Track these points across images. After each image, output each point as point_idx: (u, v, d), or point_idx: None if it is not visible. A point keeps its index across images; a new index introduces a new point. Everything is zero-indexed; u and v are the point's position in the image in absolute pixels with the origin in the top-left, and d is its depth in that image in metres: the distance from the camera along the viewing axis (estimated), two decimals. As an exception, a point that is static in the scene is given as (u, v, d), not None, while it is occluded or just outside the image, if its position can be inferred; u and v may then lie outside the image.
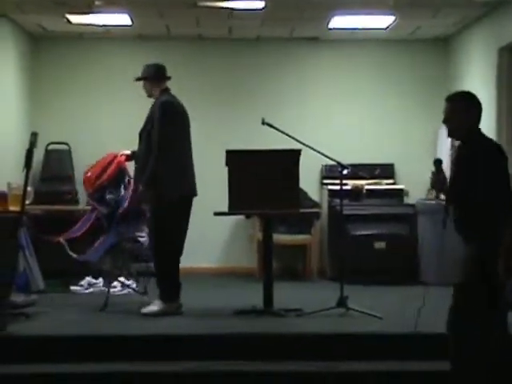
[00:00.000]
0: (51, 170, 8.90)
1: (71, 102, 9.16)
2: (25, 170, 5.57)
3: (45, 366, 5.13)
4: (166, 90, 6.48)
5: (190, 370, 5.09)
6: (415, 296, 7.23)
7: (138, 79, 6.60)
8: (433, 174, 4.56)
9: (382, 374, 5.12)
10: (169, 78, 6.56)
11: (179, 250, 6.44)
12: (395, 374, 5.11)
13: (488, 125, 7.82)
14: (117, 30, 8.84)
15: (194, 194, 6.51)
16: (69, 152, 9.01)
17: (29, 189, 5.95)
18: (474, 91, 8.50)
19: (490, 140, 4.44)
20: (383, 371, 5.14)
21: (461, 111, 4.42)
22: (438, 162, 4.62)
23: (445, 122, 4.49)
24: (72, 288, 7.51)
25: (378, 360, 5.26)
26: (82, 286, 7.55)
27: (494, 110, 7.79)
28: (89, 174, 6.68)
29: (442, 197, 4.58)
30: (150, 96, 6.52)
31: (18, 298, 6.23)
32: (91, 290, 7.50)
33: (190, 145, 6.54)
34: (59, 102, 9.12)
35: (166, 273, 6.32)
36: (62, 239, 6.64)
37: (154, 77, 6.50)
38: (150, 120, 6.35)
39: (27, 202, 5.80)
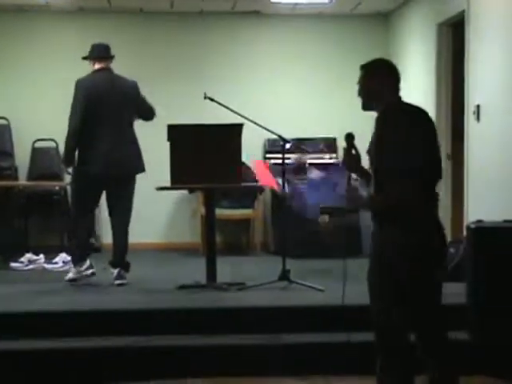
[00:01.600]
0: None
1: (10, 77, 9.00)
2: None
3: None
4: (99, 70, 6.56)
5: (133, 345, 5.09)
6: (357, 269, 7.35)
7: (84, 58, 6.72)
8: (344, 150, 4.00)
9: (323, 345, 5.19)
10: (105, 58, 6.61)
11: (84, 221, 6.68)
12: (336, 345, 5.17)
13: (427, 98, 7.94)
14: (57, 2, 8.69)
15: (105, 171, 6.45)
16: (8, 127, 8.87)
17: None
18: (413, 66, 8.66)
19: (409, 107, 3.94)
20: (325, 343, 5.20)
21: (373, 81, 3.96)
22: (349, 137, 3.96)
23: (358, 94, 4.04)
24: (12, 264, 7.42)
25: (320, 332, 5.31)
26: (22, 262, 7.45)
27: (434, 84, 7.89)
28: None
29: (354, 176, 3.99)
30: None
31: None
32: (31, 266, 7.42)
33: (114, 123, 6.52)
34: (-1, 77, 8.97)
35: (73, 239, 6.63)
36: None
37: (89, 56, 6.66)
38: None
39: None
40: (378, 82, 3.95)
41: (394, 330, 3.92)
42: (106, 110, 6.45)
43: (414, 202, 3.76)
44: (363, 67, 4.02)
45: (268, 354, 5.16)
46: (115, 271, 6.52)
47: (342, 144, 9.42)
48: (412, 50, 8.62)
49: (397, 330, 3.92)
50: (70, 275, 6.53)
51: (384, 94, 3.95)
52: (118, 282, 6.46)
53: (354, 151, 3.99)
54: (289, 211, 7.87)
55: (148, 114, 6.78)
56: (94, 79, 6.55)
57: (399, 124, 3.82)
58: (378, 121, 3.96)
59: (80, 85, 6.48)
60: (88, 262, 6.60)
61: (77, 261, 6.55)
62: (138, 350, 5.09)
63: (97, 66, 6.59)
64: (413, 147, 3.72)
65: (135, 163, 6.63)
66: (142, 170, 6.68)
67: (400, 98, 3.99)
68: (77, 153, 6.46)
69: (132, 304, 5.70)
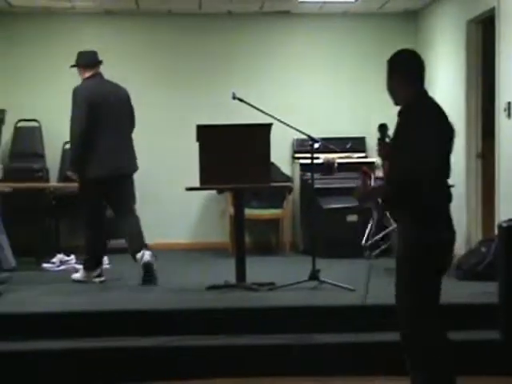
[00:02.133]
0: (21, 147, 8.82)
1: (40, 79, 9.06)
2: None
3: (17, 343, 5.11)
4: (92, 77, 6.72)
5: (162, 345, 5.11)
6: (387, 268, 7.31)
7: (73, 66, 6.88)
8: (378, 140, 4.11)
9: (354, 345, 5.17)
10: (94, 65, 6.79)
11: (99, 226, 6.74)
12: (367, 345, 5.15)
13: (457, 96, 7.88)
14: (84, 5, 8.74)
15: (114, 174, 6.64)
16: (39, 129, 8.94)
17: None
18: (443, 64, 8.60)
19: (431, 104, 3.96)
20: (355, 343, 5.18)
21: (394, 74, 4.04)
22: (382, 128, 4.11)
23: (387, 89, 4.07)
24: (44, 265, 7.47)
25: (350, 332, 5.29)
26: (53, 263, 7.51)
27: (464, 82, 7.83)
28: None
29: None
30: None
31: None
32: (63, 267, 7.47)
33: (114, 127, 6.67)
34: (28, 78, 9.02)
35: (88, 245, 6.71)
36: None
37: (78, 64, 6.81)
38: None
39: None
40: (399, 76, 4.00)
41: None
42: (109, 115, 6.61)
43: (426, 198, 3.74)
44: (387, 61, 4.10)
45: (298, 354, 5.14)
46: (141, 254, 6.58)
47: (370, 143, 9.45)
48: (441, 47, 8.56)
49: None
50: (78, 276, 6.69)
51: (405, 87, 3.97)
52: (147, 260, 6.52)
53: (387, 140, 4.06)
54: (318, 210, 7.86)
55: (134, 121, 6.99)
56: (93, 86, 6.67)
57: (416, 122, 3.83)
58: (398, 116, 3.98)
59: (80, 92, 6.59)
60: (99, 270, 6.71)
61: (89, 267, 6.67)
62: (168, 350, 5.10)
63: (88, 74, 6.75)
64: (425, 147, 3.73)
65: (135, 163, 6.91)
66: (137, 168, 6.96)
67: (422, 91, 3.97)
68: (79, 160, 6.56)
69: (162, 304, 5.72)
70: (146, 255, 6.56)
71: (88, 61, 6.79)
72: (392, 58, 4.10)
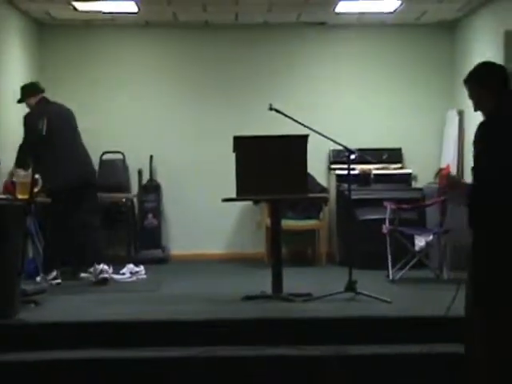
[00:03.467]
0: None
1: (78, 90, 9.17)
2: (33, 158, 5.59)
3: (54, 352, 5.15)
4: (42, 100, 7.19)
5: (198, 356, 5.11)
6: (423, 280, 7.29)
7: (19, 101, 7.32)
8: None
9: (390, 357, 5.14)
10: (41, 91, 7.27)
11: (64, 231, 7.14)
12: (403, 357, 5.12)
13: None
14: (123, 17, 8.84)
15: (74, 183, 7.03)
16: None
17: (37, 176, 5.97)
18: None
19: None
20: (391, 354, 5.15)
21: (473, 88, 4.06)
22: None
23: (474, 107, 4.12)
24: (82, 275, 7.51)
25: (387, 343, 5.26)
26: (90, 273, 7.54)
27: (502, 93, 7.77)
28: None
29: None
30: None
31: (27, 285, 6.28)
32: (134, 278, 7.54)
33: (67, 139, 7.17)
34: (66, 90, 9.12)
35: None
36: None
37: (28, 95, 7.21)
38: None
39: (35, 189, 5.81)
40: (477, 89, 4.04)
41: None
42: (66, 132, 7.16)
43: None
44: (465, 81, 4.15)
45: (334, 366, 5.12)
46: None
47: (406, 154, 9.38)
48: (479, 58, 8.46)
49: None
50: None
51: (483, 99, 4.02)
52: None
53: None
54: (354, 221, 7.85)
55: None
56: (45, 110, 6.94)
57: (489, 135, 3.93)
58: (478, 128, 4.04)
59: (34, 118, 6.82)
60: (55, 273, 7.06)
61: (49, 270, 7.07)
62: (203, 361, 5.10)
63: (35, 100, 7.17)
64: (497, 159, 3.81)
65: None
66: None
67: (501, 102, 3.99)
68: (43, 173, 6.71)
69: (198, 314, 5.73)
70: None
71: (34, 89, 7.27)
72: (470, 72, 4.13)
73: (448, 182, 4.26)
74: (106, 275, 7.04)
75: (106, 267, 7.10)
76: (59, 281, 7.04)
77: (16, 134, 8.07)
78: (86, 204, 7.13)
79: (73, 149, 7.15)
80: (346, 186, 7.13)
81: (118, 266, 7.58)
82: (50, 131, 6.59)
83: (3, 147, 7.65)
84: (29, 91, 7.25)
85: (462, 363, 4.18)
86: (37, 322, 5.47)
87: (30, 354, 5.11)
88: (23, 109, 8.50)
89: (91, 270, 7.50)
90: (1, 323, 5.18)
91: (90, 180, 7.23)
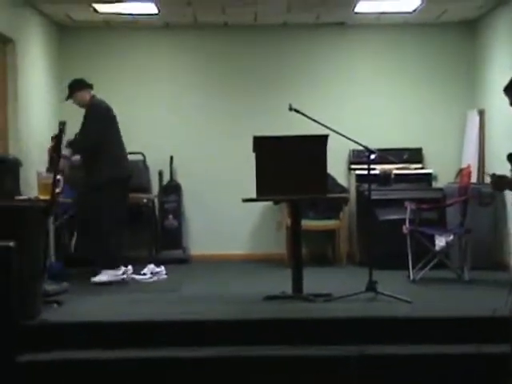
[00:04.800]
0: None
1: (99, 92, 9.18)
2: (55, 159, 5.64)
3: (76, 352, 5.19)
4: (93, 97, 7.39)
5: (219, 355, 5.13)
6: (444, 280, 7.26)
7: (68, 98, 7.42)
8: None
9: (410, 357, 5.13)
10: (89, 88, 7.41)
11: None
12: (424, 357, 5.12)
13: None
14: (143, 18, 8.88)
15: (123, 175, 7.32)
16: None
17: (58, 177, 6.01)
18: (502, 74, 8.50)
19: None
20: (412, 354, 5.15)
21: None
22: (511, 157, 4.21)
23: None
24: (136, 277, 7.48)
25: (407, 344, 5.26)
26: (145, 274, 7.54)
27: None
28: None
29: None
30: (78, 104, 7.39)
31: (49, 285, 6.32)
32: (155, 277, 7.55)
33: (118, 134, 7.41)
34: (87, 91, 9.17)
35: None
36: None
37: (76, 90, 7.32)
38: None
39: (57, 190, 5.86)
40: None
41: None
42: (116, 126, 7.37)
43: None
44: (505, 89, 4.32)
45: (355, 366, 5.12)
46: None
47: (426, 154, 9.39)
48: (500, 57, 8.46)
49: None
50: (104, 278, 7.08)
51: None
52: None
53: None
54: (374, 222, 7.85)
55: None
56: (105, 105, 7.35)
57: None
58: None
59: (102, 107, 7.28)
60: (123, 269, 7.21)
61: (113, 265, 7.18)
62: (226, 360, 5.13)
63: (89, 96, 7.35)
64: None
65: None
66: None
67: None
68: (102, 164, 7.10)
69: (218, 314, 5.75)
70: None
71: (86, 83, 7.40)
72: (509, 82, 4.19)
73: (493, 183, 4.25)
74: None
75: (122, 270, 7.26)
76: (125, 276, 7.18)
77: (39, 134, 8.15)
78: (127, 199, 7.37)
79: (122, 142, 7.37)
80: (366, 186, 7.10)
81: (138, 266, 7.62)
82: (111, 125, 7.18)
83: (26, 149, 7.70)
84: (82, 86, 7.33)
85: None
86: (59, 322, 5.50)
87: (53, 354, 5.15)
88: (46, 110, 8.57)
89: (144, 271, 7.54)
90: (24, 324, 5.22)
91: (131, 173, 7.51)
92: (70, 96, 7.34)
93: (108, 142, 7.18)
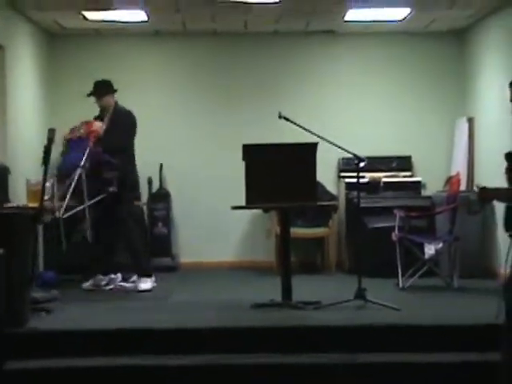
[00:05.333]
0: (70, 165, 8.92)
1: (89, 99, 9.19)
2: (43, 166, 5.62)
3: (65, 360, 5.17)
4: (115, 101, 7.57)
5: (208, 363, 5.12)
6: (433, 288, 7.27)
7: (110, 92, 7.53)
8: (507, 169, 4.26)
9: (399, 364, 5.14)
10: (114, 92, 7.56)
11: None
12: (413, 365, 5.12)
13: (505, 115, 7.82)
14: (133, 26, 8.87)
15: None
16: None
17: (47, 185, 6.00)
18: (490, 83, 8.55)
19: None
20: (400, 362, 5.15)
21: None
22: (510, 156, 4.26)
23: None
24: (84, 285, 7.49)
25: (395, 351, 5.26)
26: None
27: None
28: None
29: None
30: (104, 107, 7.50)
31: (37, 293, 6.30)
32: (111, 286, 7.49)
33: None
34: (76, 98, 9.12)
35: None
36: None
37: (105, 91, 7.48)
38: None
39: (46, 197, 5.84)
40: None
41: None
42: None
43: None
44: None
45: (343, 374, 5.12)
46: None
47: (416, 162, 9.40)
48: (488, 65, 8.50)
49: None
50: (148, 285, 7.22)
51: None
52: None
53: None
54: (363, 229, 7.86)
55: None
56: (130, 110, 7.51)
57: None
58: None
59: (133, 115, 7.47)
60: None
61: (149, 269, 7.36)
62: (214, 368, 5.12)
63: (113, 100, 7.50)
64: None
65: None
66: None
67: None
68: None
69: (207, 322, 5.75)
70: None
71: (112, 88, 7.53)
72: None
73: (481, 196, 4.26)
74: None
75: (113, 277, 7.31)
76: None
77: (28, 142, 8.13)
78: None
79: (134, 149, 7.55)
80: (355, 193, 7.11)
81: (127, 274, 7.59)
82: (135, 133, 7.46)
83: (15, 157, 7.68)
84: (111, 90, 7.48)
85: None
86: (47, 329, 5.49)
87: (41, 362, 5.13)
88: (35, 117, 8.55)
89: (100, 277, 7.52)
90: (12, 331, 5.19)
91: None
92: (97, 95, 7.43)
93: (132, 148, 7.44)
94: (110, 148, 7.24)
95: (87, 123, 7.35)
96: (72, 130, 7.41)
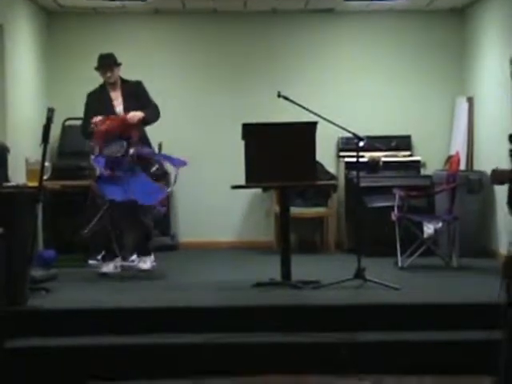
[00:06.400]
0: (68, 145, 8.92)
1: (87, 78, 9.15)
2: (42, 145, 5.61)
3: (65, 339, 5.19)
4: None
5: (208, 342, 5.14)
6: (432, 267, 7.29)
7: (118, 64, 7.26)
8: (511, 152, 4.20)
9: (398, 343, 5.16)
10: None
11: None
12: (411, 343, 5.14)
13: (504, 95, 7.80)
14: (131, 4, 8.83)
15: None
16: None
17: (46, 164, 5.99)
18: (491, 61, 8.51)
19: None
20: (399, 341, 5.17)
21: None
22: None
23: None
24: (90, 262, 7.52)
25: (395, 330, 5.28)
26: (98, 260, 7.53)
27: (512, 80, 7.75)
28: None
29: None
30: (114, 81, 7.20)
31: (36, 272, 6.31)
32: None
33: None
34: (75, 77, 9.12)
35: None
36: None
37: (116, 63, 7.24)
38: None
39: (45, 177, 5.83)
40: None
41: None
42: None
43: None
44: None
45: (343, 352, 5.14)
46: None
47: (415, 141, 9.38)
48: (489, 45, 8.46)
49: None
50: (148, 265, 7.09)
51: None
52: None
53: None
54: (363, 209, 7.86)
55: None
56: None
57: None
58: None
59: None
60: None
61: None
62: (214, 347, 5.14)
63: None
64: None
65: None
66: None
67: None
68: None
69: (207, 301, 5.76)
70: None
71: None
72: None
73: (494, 177, 4.22)
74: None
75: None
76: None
77: (27, 120, 8.11)
78: None
79: None
80: (354, 173, 7.10)
81: (126, 253, 7.59)
82: None
83: (14, 136, 7.66)
84: (117, 62, 7.24)
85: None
86: (47, 308, 5.50)
87: (41, 340, 5.16)
88: (33, 95, 8.53)
89: (99, 257, 7.50)
90: (11, 310, 5.21)
91: None
92: (109, 67, 7.13)
93: None
94: (151, 122, 7.17)
95: (109, 119, 6.93)
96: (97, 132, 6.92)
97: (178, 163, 7.14)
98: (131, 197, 6.66)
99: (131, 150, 6.90)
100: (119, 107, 7.12)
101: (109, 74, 7.12)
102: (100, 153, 6.88)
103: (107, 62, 7.15)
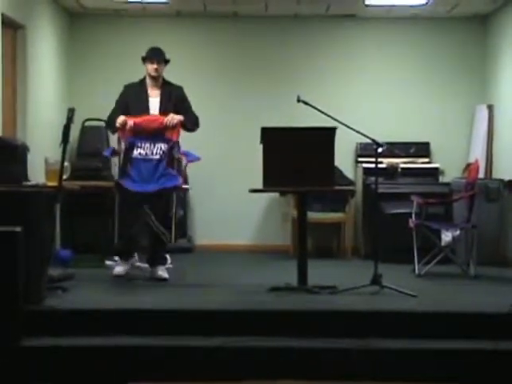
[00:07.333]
0: (87, 146, 8.97)
1: (108, 79, 9.21)
2: (62, 146, 5.64)
3: (80, 339, 5.20)
4: None
5: (224, 346, 5.13)
6: (449, 275, 7.26)
7: (167, 61, 7.06)
8: None
9: (414, 351, 5.13)
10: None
11: None
12: (428, 351, 5.11)
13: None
14: (154, 6, 8.86)
15: None
16: (105, 129, 9.06)
17: (66, 164, 6.02)
18: (511, 70, 8.47)
19: None
20: (415, 349, 5.14)
21: None
22: None
23: None
24: (107, 263, 7.55)
25: (411, 338, 5.26)
26: (116, 260, 7.57)
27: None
28: None
29: None
30: (157, 75, 6.96)
31: (54, 271, 6.33)
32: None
33: None
34: (96, 78, 9.19)
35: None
36: None
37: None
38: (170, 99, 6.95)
39: (64, 177, 5.85)
40: None
41: None
42: None
43: None
44: None
45: (357, 359, 5.12)
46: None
47: (434, 148, 9.34)
48: (511, 52, 8.42)
49: None
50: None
51: None
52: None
53: None
54: (380, 215, 7.84)
55: None
56: None
57: None
58: None
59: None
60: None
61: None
62: (229, 351, 5.13)
63: None
64: None
65: None
66: None
67: None
68: None
69: (222, 304, 5.76)
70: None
71: None
72: None
73: None
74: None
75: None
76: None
77: (47, 121, 8.15)
78: None
79: None
80: (372, 179, 7.10)
81: (144, 255, 7.61)
82: None
83: (34, 136, 7.70)
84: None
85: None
86: (63, 307, 5.51)
87: (57, 340, 5.16)
88: (54, 96, 8.57)
89: (116, 258, 7.52)
90: (29, 309, 5.23)
91: None
92: (160, 61, 6.96)
93: None
94: (190, 129, 7.11)
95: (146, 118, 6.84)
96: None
97: (193, 158, 7.20)
98: (159, 186, 6.69)
99: (176, 155, 6.99)
100: (155, 106, 6.93)
101: (156, 66, 6.90)
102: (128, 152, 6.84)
103: (157, 53, 6.98)
